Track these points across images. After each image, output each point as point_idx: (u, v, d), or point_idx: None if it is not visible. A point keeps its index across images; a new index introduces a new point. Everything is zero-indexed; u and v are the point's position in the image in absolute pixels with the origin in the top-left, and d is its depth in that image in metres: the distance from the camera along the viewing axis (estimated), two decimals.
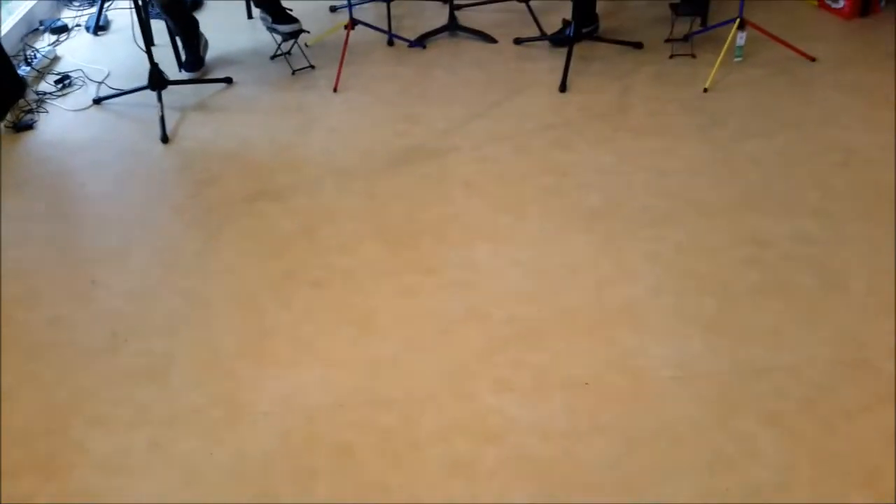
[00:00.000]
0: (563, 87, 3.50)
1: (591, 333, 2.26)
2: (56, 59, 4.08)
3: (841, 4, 3.92)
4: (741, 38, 3.53)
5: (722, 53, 3.49)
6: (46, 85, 3.80)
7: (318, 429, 2.03)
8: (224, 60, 3.98)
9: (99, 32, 4.35)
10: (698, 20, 3.87)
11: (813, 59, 3.57)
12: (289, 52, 3.95)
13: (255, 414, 2.09)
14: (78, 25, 4.43)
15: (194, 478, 1.93)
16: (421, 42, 4.00)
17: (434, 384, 2.14)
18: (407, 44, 4.00)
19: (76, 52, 4.14)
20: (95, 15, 4.38)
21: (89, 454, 2.00)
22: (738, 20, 3.47)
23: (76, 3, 4.69)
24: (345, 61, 3.74)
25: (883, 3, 3.95)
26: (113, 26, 4.43)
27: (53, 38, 4.27)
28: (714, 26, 3.75)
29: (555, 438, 1.96)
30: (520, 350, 2.22)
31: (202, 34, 3.93)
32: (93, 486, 1.92)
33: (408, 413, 2.06)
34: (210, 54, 3.99)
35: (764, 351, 2.17)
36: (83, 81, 3.83)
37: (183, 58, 3.87)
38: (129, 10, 3.48)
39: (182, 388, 2.18)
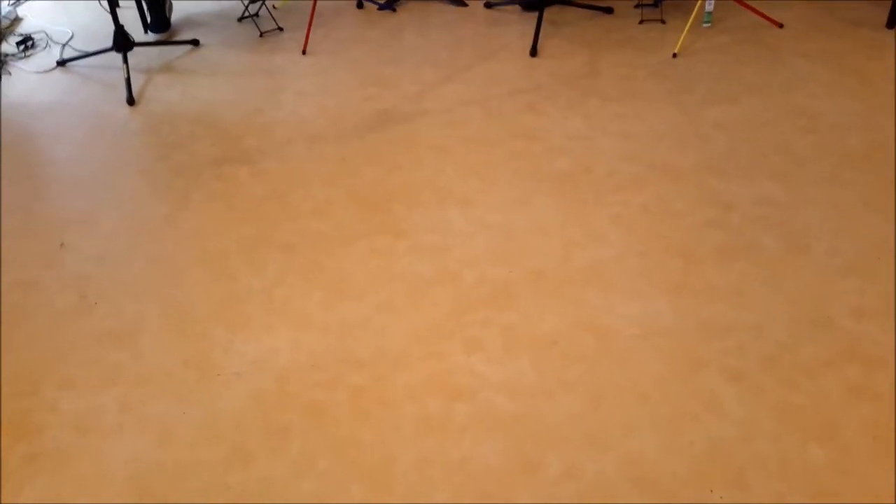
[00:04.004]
0: (533, 52, 3.51)
1: (559, 294, 2.29)
2: (17, 19, 4.00)
3: None
4: (710, 4, 3.56)
5: (691, 19, 3.51)
6: (8, 46, 3.73)
7: (290, 388, 2.05)
8: (190, 22, 3.93)
9: None
10: None
11: (780, 26, 3.60)
12: (256, 14, 3.91)
13: (227, 374, 2.10)
14: None
15: (167, 437, 1.94)
16: (391, 5, 3.97)
17: (405, 344, 2.16)
18: (377, 6, 3.97)
19: (39, 13, 4.06)
20: None
21: (60, 414, 2.01)
22: None
23: None
24: (313, 24, 3.71)
25: None
26: None
27: None
28: None
29: (523, 395, 2.00)
30: (489, 310, 2.25)
31: None
32: (64, 445, 1.93)
33: (379, 372, 2.08)
34: (176, 16, 3.94)
35: (727, 310, 2.21)
36: (46, 43, 3.77)
37: (148, 19, 3.81)
38: None
39: (153, 350, 2.19)
